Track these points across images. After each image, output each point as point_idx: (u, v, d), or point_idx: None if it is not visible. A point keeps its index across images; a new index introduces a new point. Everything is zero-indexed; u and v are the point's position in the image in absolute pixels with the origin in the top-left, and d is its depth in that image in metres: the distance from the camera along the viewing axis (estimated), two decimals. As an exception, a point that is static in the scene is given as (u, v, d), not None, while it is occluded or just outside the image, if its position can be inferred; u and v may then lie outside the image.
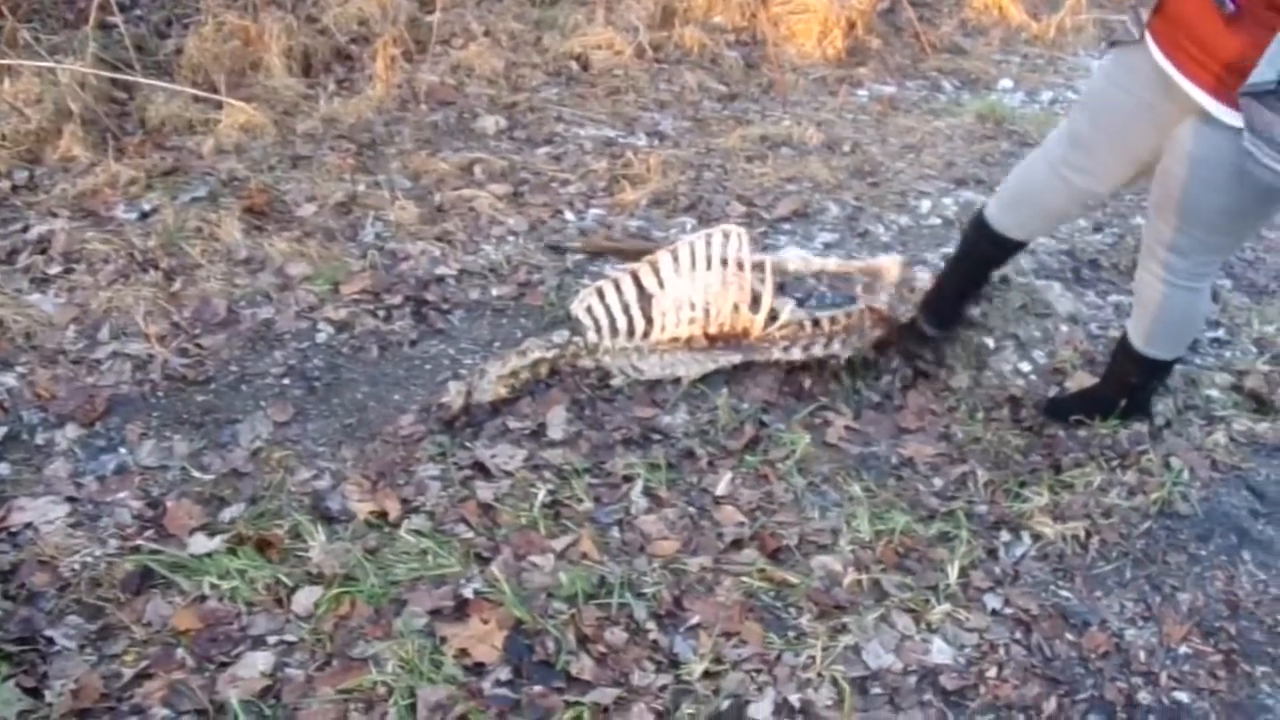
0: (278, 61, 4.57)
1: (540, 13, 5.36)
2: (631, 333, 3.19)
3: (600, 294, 3.23)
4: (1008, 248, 3.29)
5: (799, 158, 4.60)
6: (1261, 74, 2.49)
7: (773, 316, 3.25)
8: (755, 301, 3.24)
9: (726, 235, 3.26)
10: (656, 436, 2.99)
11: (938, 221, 4.27)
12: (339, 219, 3.75)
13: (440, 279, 3.52)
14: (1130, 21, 2.81)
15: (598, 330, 3.17)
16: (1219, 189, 2.71)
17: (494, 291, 3.51)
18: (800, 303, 3.46)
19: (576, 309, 3.23)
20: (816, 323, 3.31)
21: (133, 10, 4.71)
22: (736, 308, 3.22)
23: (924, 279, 3.53)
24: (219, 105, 4.25)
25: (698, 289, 3.20)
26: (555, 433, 2.93)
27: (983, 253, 3.35)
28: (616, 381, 3.13)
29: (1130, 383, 3.25)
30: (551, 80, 4.97)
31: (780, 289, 3.36)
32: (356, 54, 4.77)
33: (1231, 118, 2.58)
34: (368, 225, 3.73)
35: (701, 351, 3.21)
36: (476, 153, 4.27)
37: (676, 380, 3.18)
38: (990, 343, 3.56)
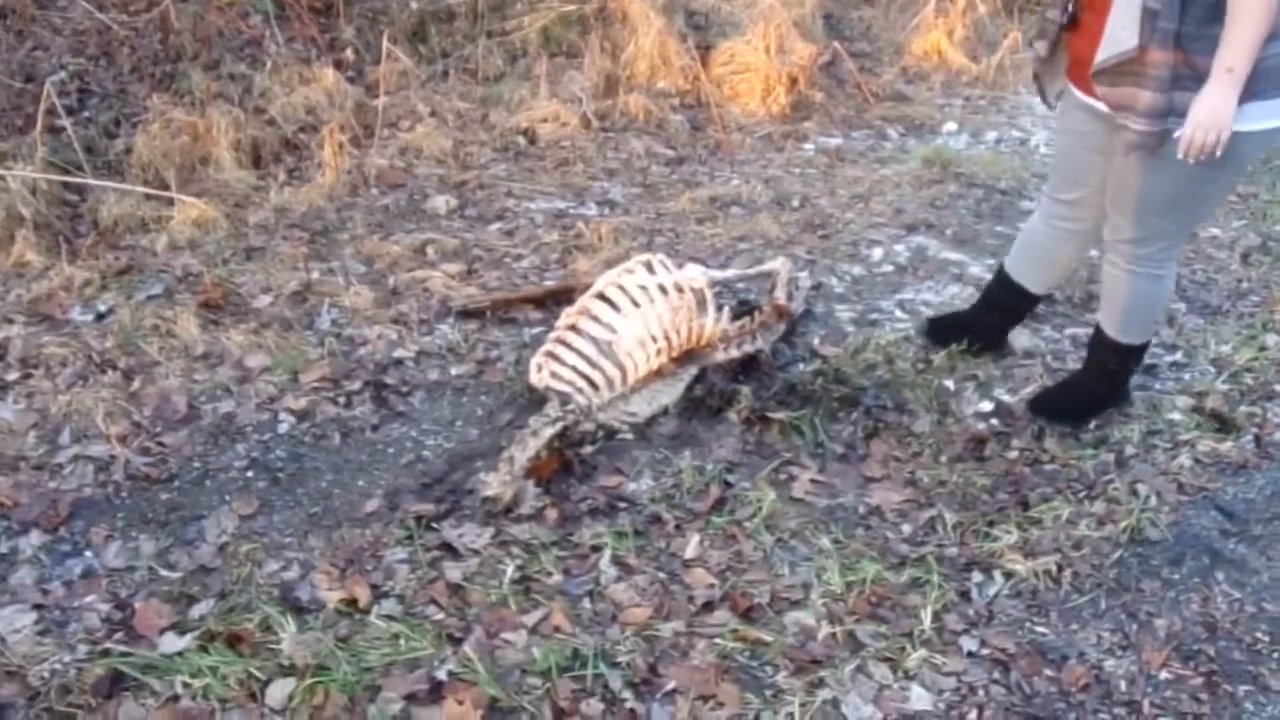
0: (227, 155, 4.59)
1: (485, 90, 5.41)
2: (610, 383, 3.23)
3: (554, 357, 3.25)
4: (1028, 298, 3.60)
5: (749, 216, 4.64)
6: (1100, 57, 2.78)
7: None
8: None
9: (649, 265, 3.36)
10: (622, 504, 3.00)
11: (890, 269, 4.31)
12: (295, 308, 3.76)
13: (399, 362, 3.53)
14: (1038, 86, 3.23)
15: (580, 391, 3.19)
16: (1155, 178, 2.91)
17: (453, 371, 3.52)
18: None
19: (539, 380, 3.25)
20: (743, 324, 3.50)
21: (81, 113, 4.72)
22: (689, 327, 3.31)
23: (804, 276, 3.94)
24: (170, 202, 4.27)
25: (652, 322, 3.28)
26: (522, 508, 2.93)
27: (1004, 304, 3.65)
28: (620, 434, 3.23)
29: (1109, 370, 3.44)
30: (500, 156, 5.01)
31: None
32: (305, 143, 4.79)
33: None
34: (324, 313, 3.74)
35: (670, 375, 3.32)
36: (429, 233, 4.30)
37: (665, 410, 3.29)
38: (950, 384, 3.60)
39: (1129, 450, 3.36)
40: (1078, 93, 3.04)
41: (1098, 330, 3.38)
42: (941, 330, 3.78)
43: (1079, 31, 2.92)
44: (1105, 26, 2.74)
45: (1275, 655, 2.73)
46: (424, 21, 5.76)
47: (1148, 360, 3.69)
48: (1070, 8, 2.93)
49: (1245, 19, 2.57)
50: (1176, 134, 2.72)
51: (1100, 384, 3.47)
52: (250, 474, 3.06)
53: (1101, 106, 2.94)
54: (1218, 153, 2.69)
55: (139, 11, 5.28)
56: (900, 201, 4.85)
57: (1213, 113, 2.65)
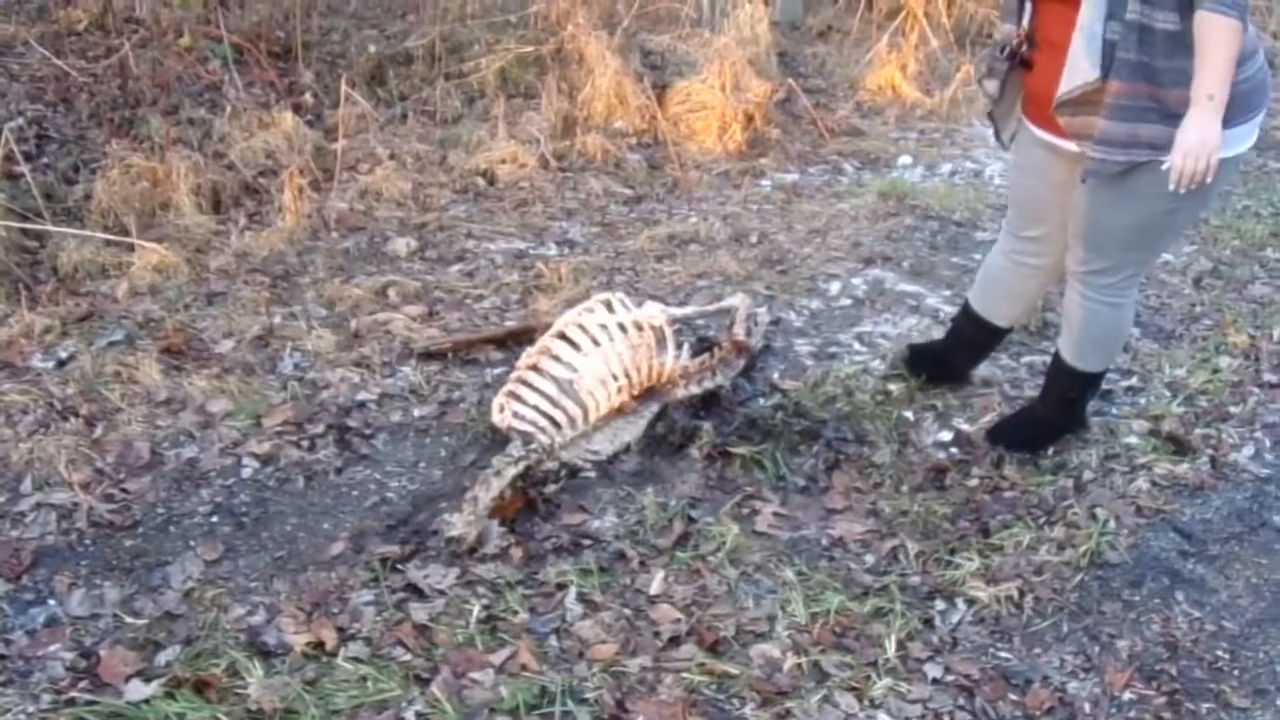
0: (187, 200, 4.59)
1: (443, 132, 5.44)
2: (573, 422, 3.25)
3: (516, 397, 3.27)
4: (996, 333, 3.63)
5: (708, 253, 4.69)
6: (1062, 89, 2.83)
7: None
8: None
9: (609, 304, 3.39)
10: (587, 542, 3.02)
11: (848, 302, 4.36)
12: (257, 353, 3.77)
13: (361, 405, 3.54)
14: (992, 124, 3.28)
15: (543, 430, 3.21)
16: (1119, 210, 2.97)
17: (415, 413, 3.53)
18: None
19: (501, 420, 3.26)
20: (703, 361, 3.54)
21: (39, 159, 4.72)
22: (649, 364, 3.35)
23: (763, 312, 4.03)
24: (130, 247, 4.26)
25: (613, 360, 3.30)
26: (486, 547, 2.94)
27: (972, 339, 3.68)
28: (583, 473, 3.25)
29: (1067, 398, 3.48)
30: (459, 198, 5.04)
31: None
32: (265, 187, 4.80)
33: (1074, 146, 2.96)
34: (286, 357, 3.75)
35: (632, 413, 3.34)
36: (389, 276, 4.31)
37: (627, 447, 3.31)
38: (910, 415, 3.65)
39: (1087, 475, 3.40)
40: (1036, 130, 3.09)
41: (1056, 357, 3.42)
42: (919, 360, 3.82)
43: (1035, 70, 2.98)
44: (1065, 60, 2.79)
45: (1236, 672, 2.78)
46: (382, 65, 5.82)
47: (1104, 386, 3.75)
48: (1021, 49, 2.98)
49: (1215, 45, 2.63)
50: (1165, 166, 2.75)
51: (1058, 412, 3.51)
52: (214, 519, 3.06)
53: (1061, 142, 2.99)
54: (1209, 179, 2.72)
55: (98, 58, 5.30)
56: (857, 235, 4.91)
57: (1201, 140, 2.68)
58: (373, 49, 5.88)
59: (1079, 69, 2.77)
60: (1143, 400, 3.81)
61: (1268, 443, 3.65)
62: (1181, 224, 3.18)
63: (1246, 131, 2.88)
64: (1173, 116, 2.74)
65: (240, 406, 3.47)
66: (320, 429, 3.41)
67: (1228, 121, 2.72)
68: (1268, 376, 4.03)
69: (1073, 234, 3.12)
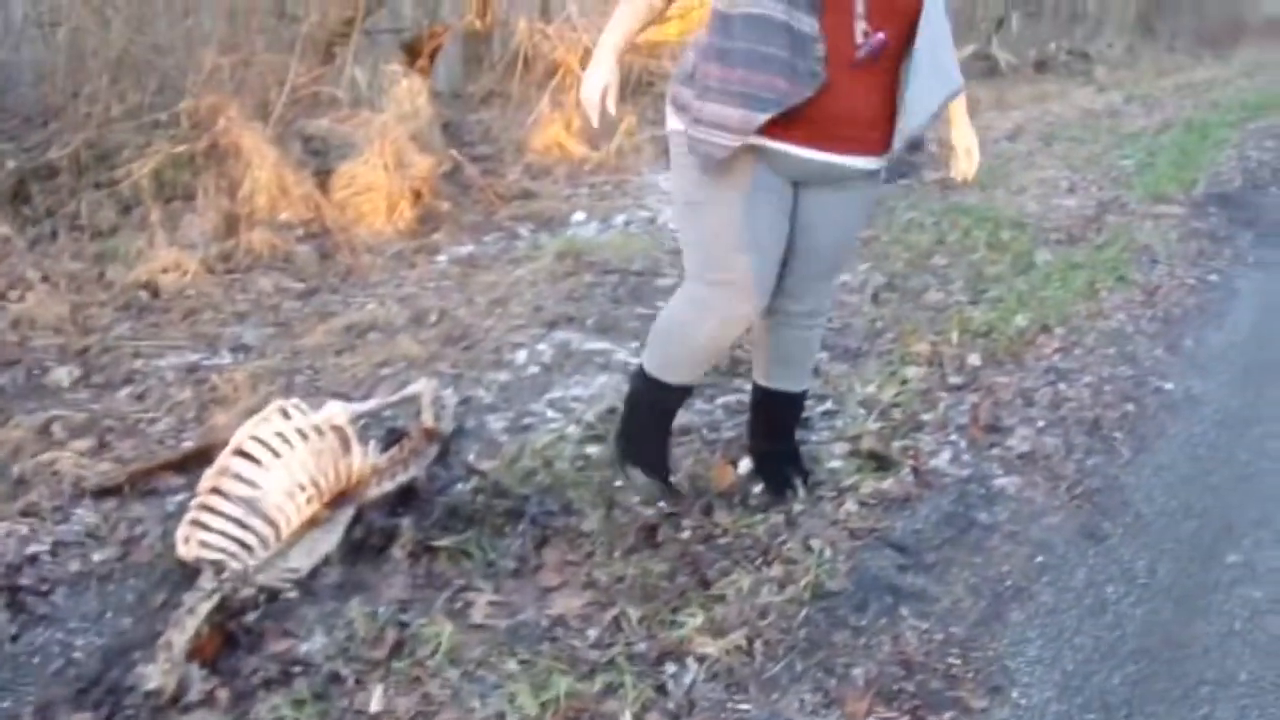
0: None
1: (99, 246, 5.18)
2: (264, 542, 3.07)
3: (201, 525, 3.09)
4: (684, 393, 3.47)
5: (388, 339, 4.60)
6: (941, 100, 2.88)
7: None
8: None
9: (284, 411, 3.24)
10: (297, 668, 2.85)
11: (536, 369, 4.35)
12: (-92, 524, 3.45)
13: (33, 558, 3.25)
14: (714, 141, 2.96)
15: (234, 556, 3.03)
16: (866, 214, 3.25)
17: (96, 557, 3.27)
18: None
19: (188, 551, 3.08)
20: (392, 455, 3.42)
21: None
22: (336, 468, 3.20)
23: (449, 394, 3.97)
24: None
25: (296, 470, 3.14)
26: (189, 695, 2.75)
27: (660, 404, 3.47)
28: (284, 594, 3.07)
29: (797, 420, 3.60)
30: (122, 315, 4.79)
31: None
32: (-100, 333, 4.46)
33: (876, 163, 3.03)
34: (-58, 521, 3.44)
35: (326, 522, 3.18)
36: (52, 410, 4.03)
37: (326, 559, 3.15)
38: (613, 476, 3.63)
39: (797, 507, 3.45)
40: (816, 154, 2.94)
41: (781, 396, 3.48)
42: (641, 460, 3.55)
43: (842, 94, 2.84)
44: (911, 73, 2.83)
45: (970, 675, 2.83)
46: (24, 180, 5.50)
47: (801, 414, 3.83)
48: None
49: None
50: (956, 174, 3.21)
51: (790, 437, 3.61)
52: (-127, 725, 2.77)
53: (846, 159, 2.96)
54: None
55: None
56: (538, 299, 4.91)
57: None
58: (11, 164, 5.54)
59: (947, 78, 2.86)
60: (839, 422, 3.92)
61: (962, 444, 3.81)
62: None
63: None
64: None
65: (-105, 584, 3.16)
66: (-12, 595, 3.13)
67: None
68: (952, 379, 4.23)
69: (804, 277, 3.19)
